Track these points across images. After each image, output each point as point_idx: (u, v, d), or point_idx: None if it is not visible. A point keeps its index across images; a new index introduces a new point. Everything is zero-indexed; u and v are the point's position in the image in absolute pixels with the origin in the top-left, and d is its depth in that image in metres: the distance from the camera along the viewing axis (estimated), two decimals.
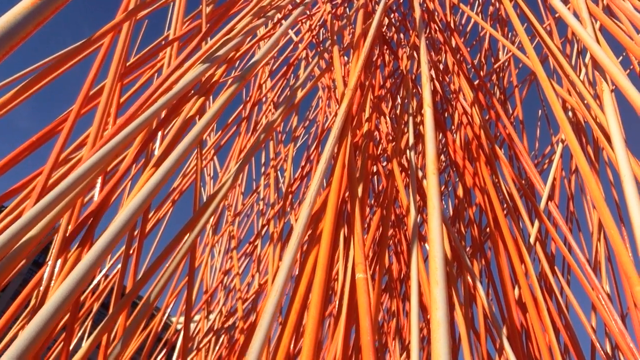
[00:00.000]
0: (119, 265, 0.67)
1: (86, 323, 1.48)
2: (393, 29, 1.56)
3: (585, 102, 0.63)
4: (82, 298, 1.34)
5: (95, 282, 1.44)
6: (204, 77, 0.77)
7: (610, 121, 0.43)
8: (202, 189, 2.01)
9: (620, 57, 1.42)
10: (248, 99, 1.64)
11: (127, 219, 0.31)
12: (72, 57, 0.64)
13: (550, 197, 0.87)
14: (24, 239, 0.37)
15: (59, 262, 0.52)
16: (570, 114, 1.04)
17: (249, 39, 1.37)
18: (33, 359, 0.48)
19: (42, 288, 0.50)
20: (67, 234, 0.55)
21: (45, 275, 0.52)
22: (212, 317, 1.62)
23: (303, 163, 1.75)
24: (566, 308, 0.84)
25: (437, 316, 0.29)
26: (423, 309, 1.05)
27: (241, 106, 1.61)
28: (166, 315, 1.55)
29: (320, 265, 0.39)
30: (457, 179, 1.17)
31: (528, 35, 0.72)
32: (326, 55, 1.59)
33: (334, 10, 1.54)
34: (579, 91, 0.58)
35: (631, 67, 1.29)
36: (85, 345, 0.48)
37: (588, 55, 1.15)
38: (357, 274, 0.39)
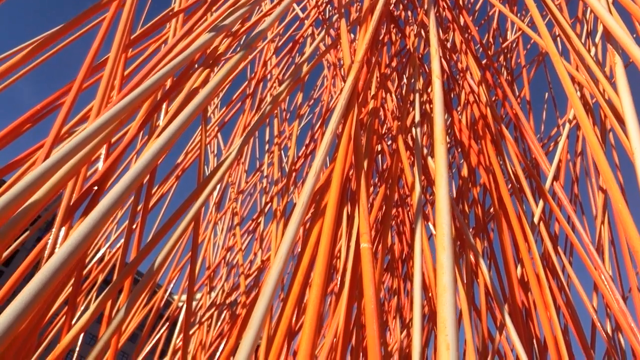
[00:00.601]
0: (122, 241, 0.67)
1: (89, 296, 1.50)
2: (401, 6, 1.54)
3: (595, 78, 0.62)
4: (84, 272, 1.35)
5: (99, 255, 1.45)
6: (209, 50, 0.76)
7: (621, 92, 0.43)
8: (206, 166, 2.01)
9: (634, 37, 1.40)
10: (253, 75, 1.63)
11: (133, 178, 0.31)
12: (75, 25, 0.63)
13: (556, 178, 0.87)
14: (27, 202, 0.36)
15: (63, 230, 0.53)
16: (578, 93, 1.03)
17: (254, 12, 1.35)
18: (34, 331, 0.48)
19: (45, 255, 0.50)
20: (71, 203, 0.55)
21: (49, 244, 0.52)
22: (214, 294, 1.63)
23: (307, 142, 1.74)
24: (568, 288, 0.84)
25: (444, 281, 0.29)
26: (424, 288, 1.05)
27: (246, 83, 1.60)
28: (168, 292, 1.56)
29: (325, 234, 0.39)
30: (462, 160, 1.16)
31: (539, 12, 0.71)
32: (332, 32, 1.57)
33: None
34: (588, 66, 0.57)
35: None
36: (87, 313, 0.48)
37: (598, 36, 1.14)
38: (362, 243, 0.39)
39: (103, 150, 0.61)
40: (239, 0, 0.74)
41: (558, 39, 1.48)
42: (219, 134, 1.90)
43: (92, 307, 0.46)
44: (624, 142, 0.50)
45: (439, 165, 0.39)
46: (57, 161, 0.32)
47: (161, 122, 0.69)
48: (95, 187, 0.52)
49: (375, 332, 0.31)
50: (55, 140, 0.58)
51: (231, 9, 0.71)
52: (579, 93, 1.02)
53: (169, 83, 0.72)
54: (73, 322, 0.57)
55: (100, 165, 0.60)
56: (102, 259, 1.45)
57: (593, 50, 1.06)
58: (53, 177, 0.33)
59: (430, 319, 1.05)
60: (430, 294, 0.98)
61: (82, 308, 1.48)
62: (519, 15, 1.77)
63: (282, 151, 1.74)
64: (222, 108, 1.70)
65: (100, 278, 1.37)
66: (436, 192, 0.37)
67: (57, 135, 0.58)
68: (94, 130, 0.35)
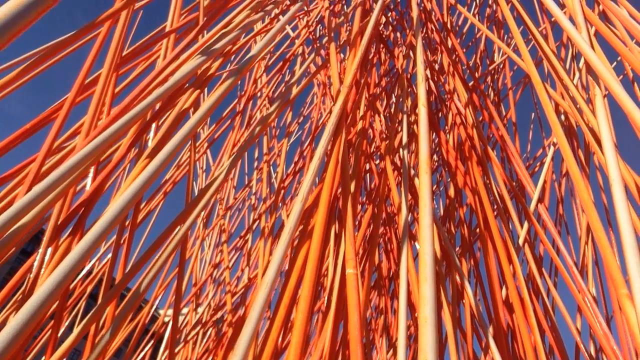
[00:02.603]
0: (109, 256, 0.67)
1: (75, 309, 1.48)
2: (390, 27, 1.57)
3: (578, 106, 0.63)
4: (71, 286, 1.33)
5: (86, 269, 1.43)
6: (200, 70, 0.77)
7: (601, 125, 0.44)
8: (195, 182, 2.01)
9: (615, 63, 1.43)
10: (243, 93, 1.64)
11: (120, 210, 0.31)
12: (67, 45, 0.64)
13: (540, 200, 0.88)
14: (14, 227, 0.37)
15: (49, 250, 0.52)
16: (562, 117, 1.05)
17: (245, 33, 1.36)
18: (20, 348, 0.48)
19: (31, 275, 0.49)
20: (59, 223, 0.55)
21: (36, 264, 0.52)
22: (200, 310, 1.62)
23: (296, 159, 1.75)
24: (552, 310, 0.85)
25: (425, 313, 0.29)
26: (411, 307, 1.06)
27: (236, 100, 1.61)
28: (154, 307, 1.55)
29: (312, 258, 0.40)
30: (449, 179, 1.17)
31: (524, 38, 0.73)
32: (322, 52, 1.59)
33: (331, 7, 1.54)
34: (572, 95, 0.59)
35: (624, 73, 1.30)
36: (73, 334, 0.48)
37: (582, 60, 1.16)
38: (348, 269, 0.39)
39: (91, 170, 0.61)
40: (231, 22, 0.75)
41: (545, 62, 1.51)
42: (208, 151, 1.90)
43: (76, 330, 0.46)
44: (605, 169, 0.51)
45: (422, 194, 0.39)
46: (45, 188, 0.32)
47: (150, 142, 0.70)
48: (83, 208, 0.52)
49: (359, 358, 0.31)
50: (46, 156, 0.58)
51: (223, 32, 0.72)
52: (562, 117, 1.04)
53: (159, 104, 0.73)
54: (58, 335, 0.57)
55: (89, 185, 0.60)
56: (89, 272, 1.44)
57: (577, 75, 1.08)
58: (40, 204, 0.34)
59: (416, 339, 1.06)
60: (416, 314, 0.98)
61: (68, 322, 1.46)
62: (505, 37, 1.80)
63: (271, 168, 1.74)
64: (211, 125, 1.70)
65: (90, 288, 1.36)
66: (419, 220, 0.38)
67: (49, 150, 0.58)
68: (83, 156, 0.35)
